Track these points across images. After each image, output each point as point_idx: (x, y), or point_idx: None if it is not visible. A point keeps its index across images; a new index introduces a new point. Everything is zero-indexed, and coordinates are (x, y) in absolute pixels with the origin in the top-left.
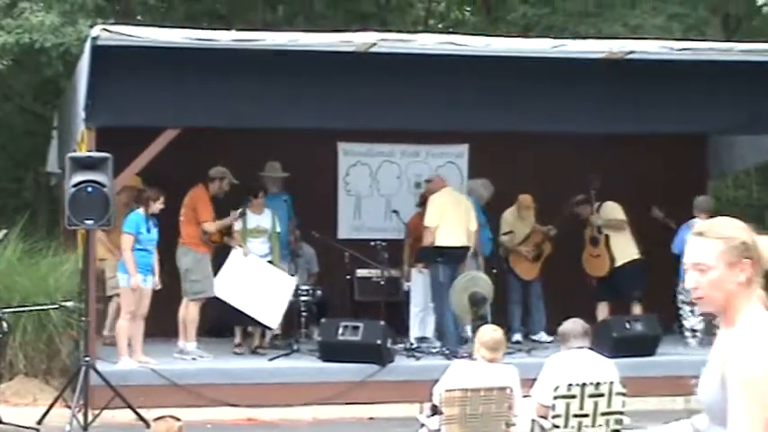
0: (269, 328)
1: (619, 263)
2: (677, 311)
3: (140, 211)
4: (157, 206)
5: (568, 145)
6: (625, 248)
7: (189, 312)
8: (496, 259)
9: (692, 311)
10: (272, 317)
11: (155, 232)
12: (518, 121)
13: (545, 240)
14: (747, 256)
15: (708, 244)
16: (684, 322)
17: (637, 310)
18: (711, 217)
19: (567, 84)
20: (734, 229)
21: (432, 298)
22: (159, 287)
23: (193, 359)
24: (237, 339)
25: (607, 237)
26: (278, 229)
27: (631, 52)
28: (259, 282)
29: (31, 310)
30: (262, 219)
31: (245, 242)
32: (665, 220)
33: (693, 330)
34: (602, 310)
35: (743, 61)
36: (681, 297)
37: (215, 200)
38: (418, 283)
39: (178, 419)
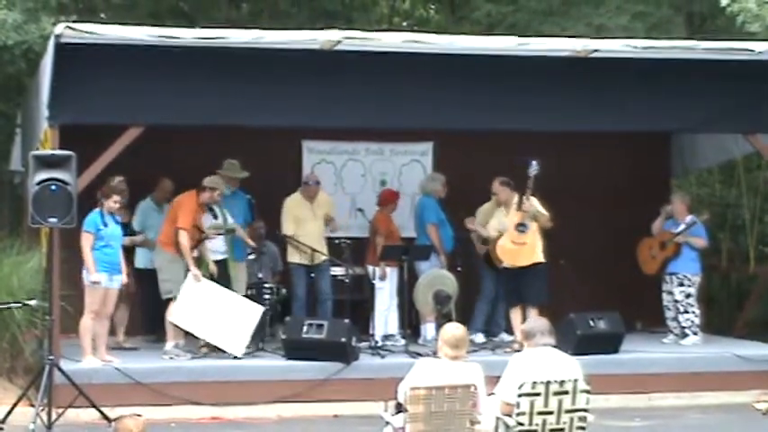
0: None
1: (540, 258)
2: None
3: (97, 209)
4: (109, 203)
5: (533, 143)
6: (541, 247)
7: (169, 312)
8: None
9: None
10: (235, 343)
11: (114, 227)
12: (482, 120)
13: None
14: None
15: None
16: (681, 317)
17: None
18: (690, 209)
19: (532, 82)
20: None
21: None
22: (126, 282)
23: (170, 358)
24: (202, 341)
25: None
26: (231, 227)
27: (596, 51)
28: (218, 308)
29: None
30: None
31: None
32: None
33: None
34: (517, 316)
35: (707, 60)
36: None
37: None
38: (385, 281)
39: (140, 416)
